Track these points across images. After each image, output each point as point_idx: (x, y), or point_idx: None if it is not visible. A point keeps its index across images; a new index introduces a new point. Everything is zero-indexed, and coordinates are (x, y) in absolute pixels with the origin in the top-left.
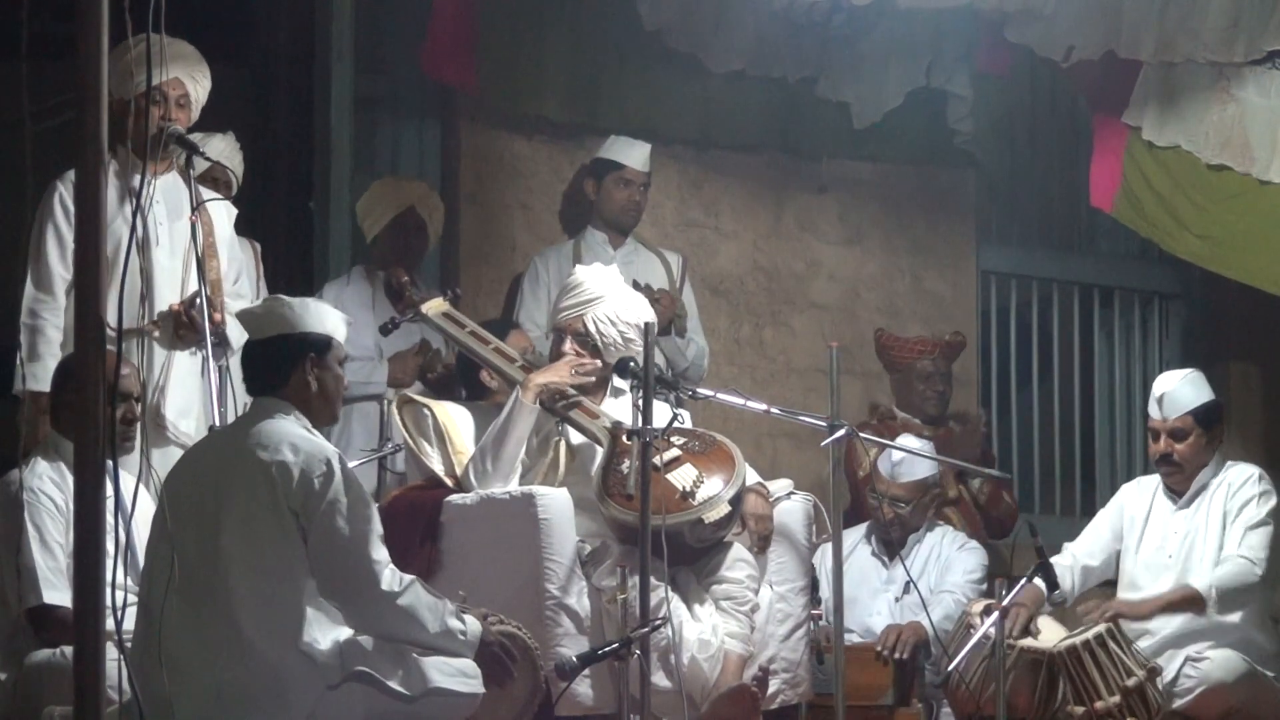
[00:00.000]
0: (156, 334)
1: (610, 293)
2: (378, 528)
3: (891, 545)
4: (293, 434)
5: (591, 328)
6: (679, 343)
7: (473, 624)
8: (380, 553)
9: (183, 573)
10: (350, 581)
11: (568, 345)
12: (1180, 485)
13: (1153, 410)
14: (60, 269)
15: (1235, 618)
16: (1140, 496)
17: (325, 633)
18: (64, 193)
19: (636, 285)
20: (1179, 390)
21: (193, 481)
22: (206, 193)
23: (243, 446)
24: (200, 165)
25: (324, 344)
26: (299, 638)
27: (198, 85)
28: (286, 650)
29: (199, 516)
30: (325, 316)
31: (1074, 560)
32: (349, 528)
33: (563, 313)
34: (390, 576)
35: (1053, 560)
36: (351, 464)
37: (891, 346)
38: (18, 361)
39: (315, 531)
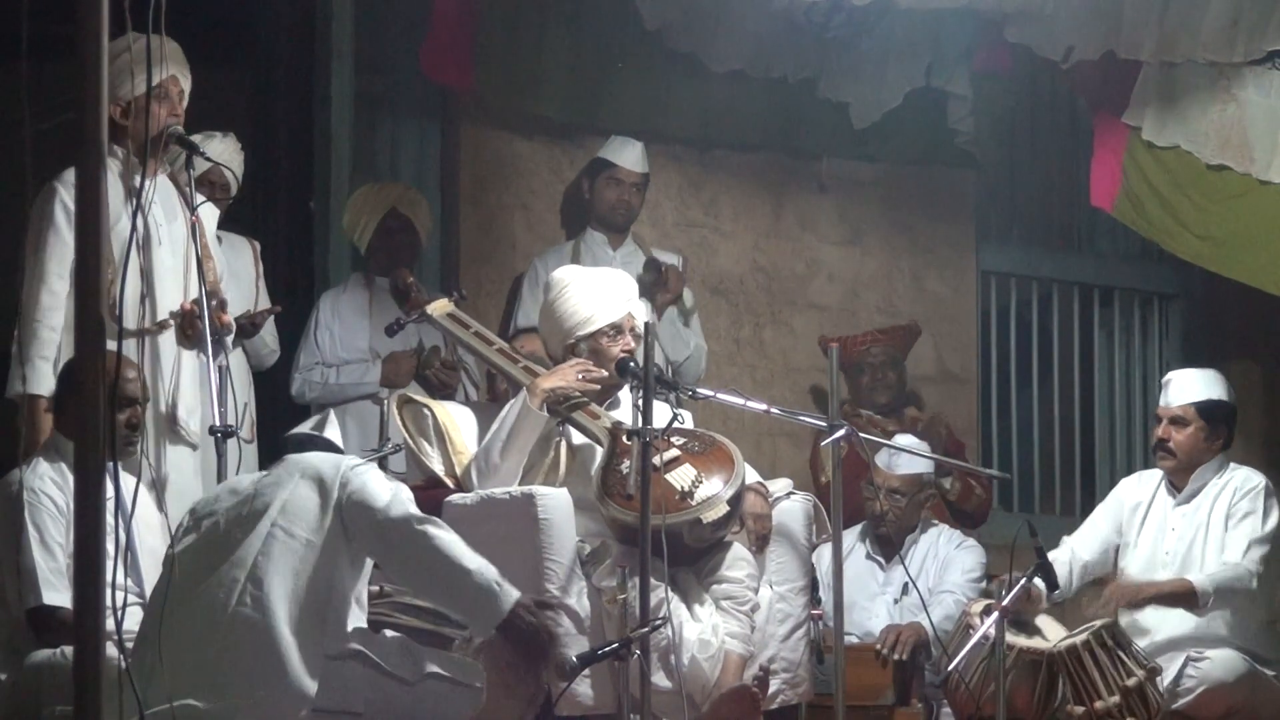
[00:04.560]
0: (170, 331)
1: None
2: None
3: (887, 545)
4: (323, 454)
5: (639, 321)
6: (682, 331)
7: (512, 592)
8: (413, 506)
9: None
10: (378, 514)
11: (630, 340)
12: (1178, 478)
13: (1161, 397)
14: (59, 272)
15: (1235, 619)
16: (1140, 490)
17: (341, 619)
18: (63, 194)
19: (656, 266)
20: (1188, 380)
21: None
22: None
23: (283, 472)
24: (201, 165)
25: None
26: (316, 620)
27: (188, 82)
28: (298, 627)
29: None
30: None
31: (1072, 555)
32: (386, 492)
33: (610, 313)
34: (414, 509)
35: (1050, 555)
36: None
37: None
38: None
39: (354, 503)
